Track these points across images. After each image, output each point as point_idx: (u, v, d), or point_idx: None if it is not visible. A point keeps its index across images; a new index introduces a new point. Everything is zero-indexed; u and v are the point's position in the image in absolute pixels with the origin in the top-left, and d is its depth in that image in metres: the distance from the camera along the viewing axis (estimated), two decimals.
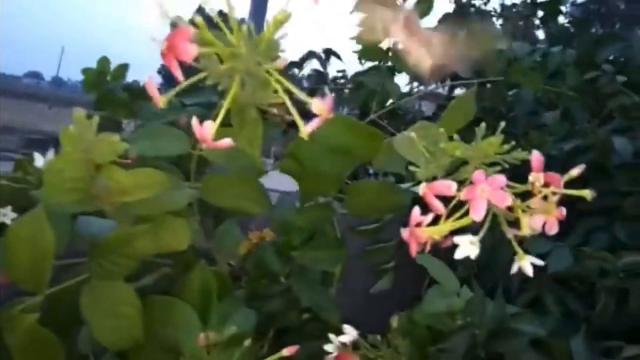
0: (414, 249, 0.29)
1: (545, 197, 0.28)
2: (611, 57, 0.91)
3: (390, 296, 0.77)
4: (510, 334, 0.42)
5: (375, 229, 0.76)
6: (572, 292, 0.68)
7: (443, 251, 0.30)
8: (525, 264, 0.28)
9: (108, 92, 0.77)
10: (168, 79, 0.31)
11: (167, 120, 0.61)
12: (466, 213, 0.27)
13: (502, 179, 0.26)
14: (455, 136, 0.30)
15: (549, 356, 0.44)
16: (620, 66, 0.89)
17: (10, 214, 0.41)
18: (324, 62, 1.15)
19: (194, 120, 0.26)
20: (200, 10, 0.28)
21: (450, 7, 1.43)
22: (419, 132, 0.33)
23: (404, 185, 0.62)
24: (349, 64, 1.11)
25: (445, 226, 0.28)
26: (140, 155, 0.41)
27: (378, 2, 0.70)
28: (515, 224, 0.28)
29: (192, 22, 0.26)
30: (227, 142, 0.27)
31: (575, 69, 0.89)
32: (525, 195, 0.28)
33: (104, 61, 0.78)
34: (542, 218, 0.28)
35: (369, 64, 0.93)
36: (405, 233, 0.29)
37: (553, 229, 0.28)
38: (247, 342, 0.36)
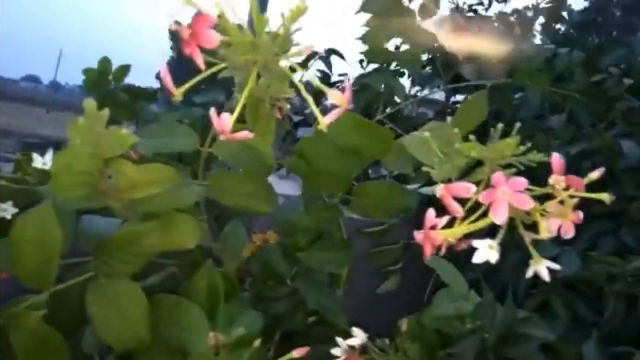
0: (428, 252, 0.28)
1: (561, 201, 0.27)
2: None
3: (396, 298, 0.77)
4: (520, 338, 0.42)
5: (382, 230, 0.75)
6: (580, 297, 0.68)
7: (451, 254, 0.30)
8: (542, 268, 0.27)
9: (108, 93, 0.77)
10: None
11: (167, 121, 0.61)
12: (482, 215, 0.27)
13: (523, 181, 0.26)
14: (471, 136, 0.29)
15: None
16: (624, 72, 0.89)
17: (11, 209, 0.40)
18: (329, 63, 1.14)
19: (212, 112, 0.26)
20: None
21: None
22: (432, 132, 0.33)
23: (411, 187, 0.62)
24: (350, 68, 1.10)
25: (461, 229, 0.28)
26: (144, 153, 0.41)
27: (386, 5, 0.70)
28: (530, 227, 0.28)
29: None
30: (245, 134, 0.26)
31: (583, 71, 0.88)
32: (541, 199, 0.27)
33: (105, 62, 0.78)
34: (557, 221, 0.28)
35: (370, 67, 0.93)
36: (419, 235, 0.29)
37: (569, 233, 0.28)
38: (256, 344, 0.35)
